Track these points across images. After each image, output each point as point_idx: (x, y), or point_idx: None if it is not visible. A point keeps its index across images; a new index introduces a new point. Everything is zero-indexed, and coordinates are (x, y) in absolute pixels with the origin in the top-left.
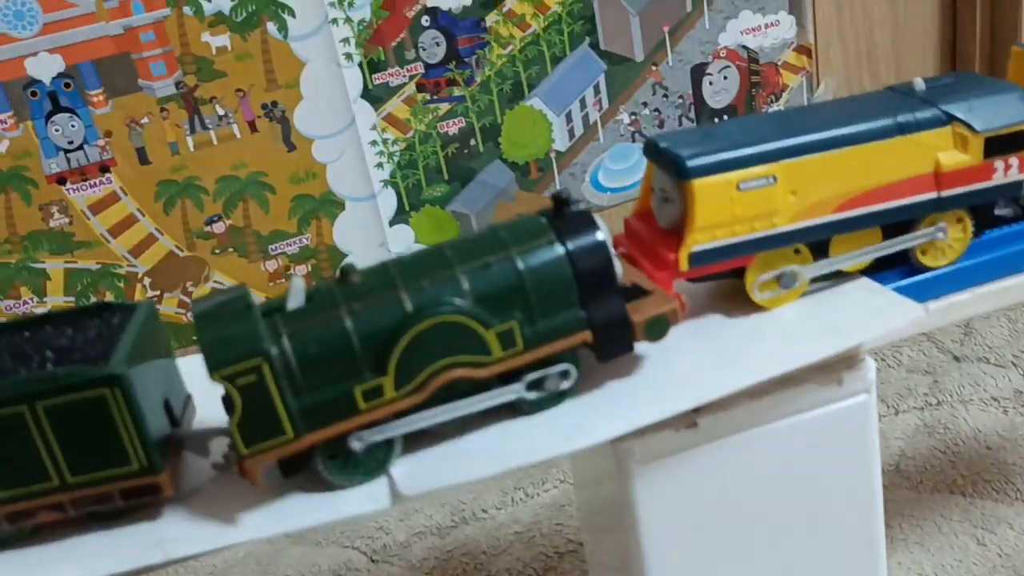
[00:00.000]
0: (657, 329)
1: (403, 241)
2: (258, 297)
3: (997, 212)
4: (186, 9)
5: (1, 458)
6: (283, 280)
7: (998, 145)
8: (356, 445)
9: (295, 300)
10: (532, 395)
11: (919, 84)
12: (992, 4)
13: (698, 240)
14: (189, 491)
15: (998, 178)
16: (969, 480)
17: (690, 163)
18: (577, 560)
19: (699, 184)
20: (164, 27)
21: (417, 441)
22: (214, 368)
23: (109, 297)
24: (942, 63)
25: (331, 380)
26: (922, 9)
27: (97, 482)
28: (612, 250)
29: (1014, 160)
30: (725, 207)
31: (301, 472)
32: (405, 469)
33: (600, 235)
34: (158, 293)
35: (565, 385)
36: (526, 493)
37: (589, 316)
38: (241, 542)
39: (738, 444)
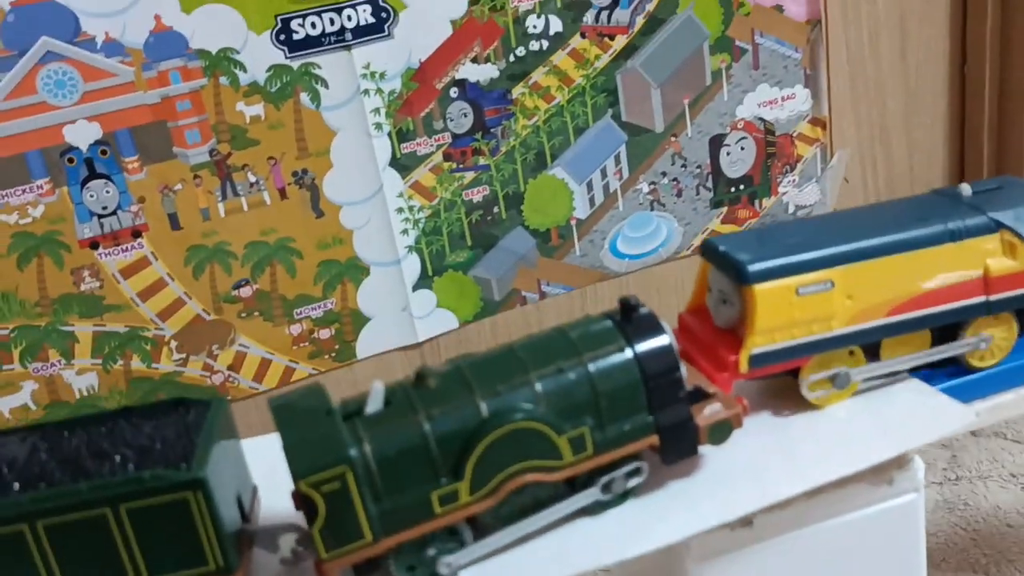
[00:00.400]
0: (721, 433)
1: (426, 306)
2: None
3: None
4: (222, 79)
5: (81, 559)
6: (307, 343)
7: None
8: (445, 572)
9: (374, 404)
10: (604, 497)
11: (966, 189)
12: (1001, 74)
13: (758, 343)
14: None
15: None
16: (992, 559)
17: (751, 268)
18: None
19: (760, 289)
20: (200, 96)
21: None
22: (301, 476)
23: (135, 360)
24: (951, 135)
25: (410, 485)
26: (932, 81)
27: None
28: (678, 355)
29: None
30: (784, 311)
31: (374, 573)
32: (470, 574)
33: (667, 340)
34: (184, 356)
35: (632, 484)
36: None
37: (657, 421)
38: None
39: (791, 542)
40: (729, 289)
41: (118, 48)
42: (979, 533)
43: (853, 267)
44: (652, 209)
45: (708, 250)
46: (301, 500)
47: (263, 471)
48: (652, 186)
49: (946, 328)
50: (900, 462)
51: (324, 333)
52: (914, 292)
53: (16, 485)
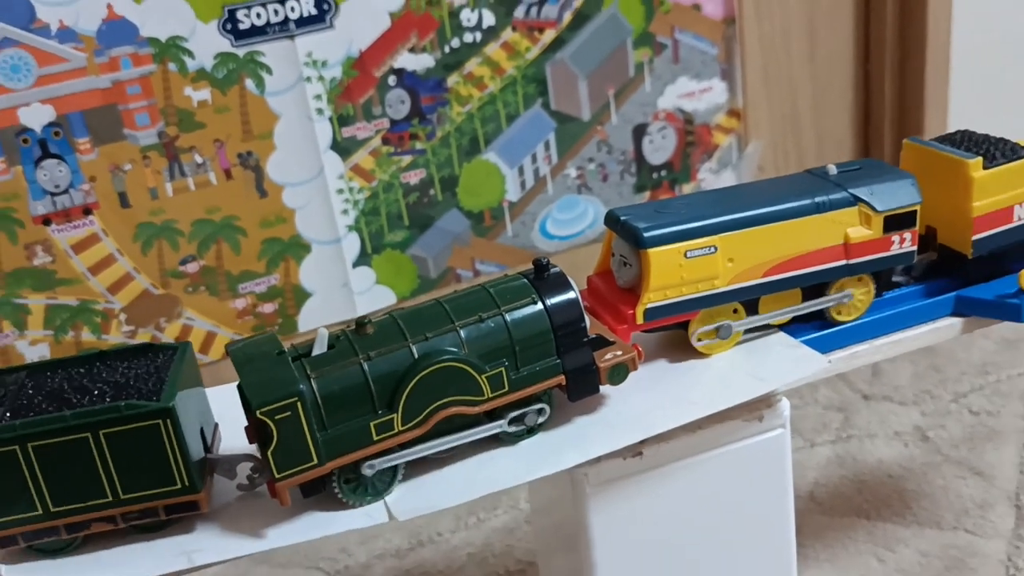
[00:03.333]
0: (619, 375)
1: (365, 282)
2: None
3: (894, 279)
4: (171, 66)
5: (65, 477)
6: (251, 317)
7: (894, 222)
8: (368, 471)
9: (320, 347)
10: (512, 428)
11: (832, 169)
12: (900, 72)
13: (652, 299)
14: (218, 508)
15: (894, 249)
16: (873, 506)
17: (646, 234)
18: None
19: (654, 252)
20: (150, 81)
21: (414, 467)
22: (257, 407)
23: (86, 331)
24: (856, 126)
25: (350, 416)
26: (839, 77)
27: (145, 499)
28: (583, 307)
29: (907, 235)
30: (675, 271)
31: (319, 493)
32: (398, 495)
33: (573, 295)
34: (132, 329)
35: (540, 420)
36: (478, 518)
37: (563, 363)
38: (262, 551)
39: (676, 471)
40: (628, 253)
41: (71, 35)
42: (864, 483)
43: (733, 234)
44: (579, 193)
45: (611, 219)
46: (257, 428)
47: (219, 416)
48: (579, 171)
49: (814, 288)
50: (769, 402)
51: (267, 307)
52: (786, 256)
53: (8, 415)
